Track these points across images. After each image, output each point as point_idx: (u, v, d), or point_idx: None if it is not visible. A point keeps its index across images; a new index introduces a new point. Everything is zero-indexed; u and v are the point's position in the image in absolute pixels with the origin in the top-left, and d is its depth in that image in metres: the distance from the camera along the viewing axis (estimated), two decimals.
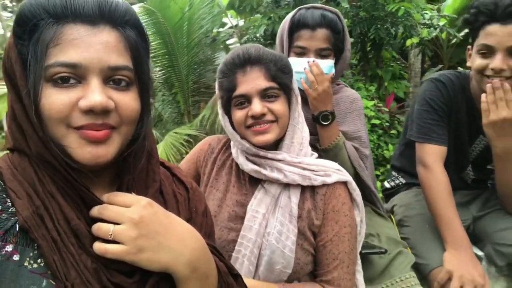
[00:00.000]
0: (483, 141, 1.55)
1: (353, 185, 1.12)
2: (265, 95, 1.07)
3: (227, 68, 1.09)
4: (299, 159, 1.10)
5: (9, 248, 0.58)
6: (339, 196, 1.09)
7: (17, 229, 0.60)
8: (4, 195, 0.62)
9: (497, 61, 1.32)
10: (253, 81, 1.06)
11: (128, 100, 0.65)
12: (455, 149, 1.56)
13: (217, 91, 1.14)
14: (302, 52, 1.47)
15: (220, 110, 1.15)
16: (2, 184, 0.64)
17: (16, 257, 0.58)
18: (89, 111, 0.61)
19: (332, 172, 1.09)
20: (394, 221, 1.63)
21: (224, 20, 7.31)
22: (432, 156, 1.47)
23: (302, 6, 1.52)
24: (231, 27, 7.30)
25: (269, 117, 1.07)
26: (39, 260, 0.60)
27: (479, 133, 1.53)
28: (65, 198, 0.63)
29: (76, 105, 0.61)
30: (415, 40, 4.63)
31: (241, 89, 1.07)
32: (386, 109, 4.64)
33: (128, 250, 0.62)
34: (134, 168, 0.71)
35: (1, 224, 0.59)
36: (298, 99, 1.14)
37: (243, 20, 7.38)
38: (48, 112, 0.60)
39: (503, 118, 1.31)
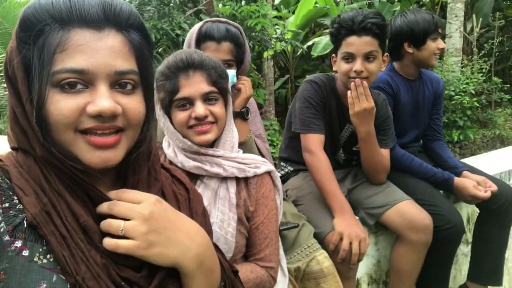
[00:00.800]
0: (349, 129, 1.93)
1: (276, 173, 1.29)
2: (206, 98, 1.14)
3: (170, 71, 1.13)
4: (234, 155, 1.21)
5: (18, 244, 0.58)
6: (267, 184, 1.25)
7: (25, 225, 0.60)
8: (10, 193, 0.62)
9: (357, 65, 1.68)
10: (196, 84, 1.12)
11: (135, 104, 0.66)
12: (329, 136, 1.90)
13: (156, 93, 1.17)
14: None
15: (160, 111, 1.18)
16: (8, 182, 0.63)
17: (25, 253, 0.59)
18: (97, 116, 0.61)
19: (261, 164, 1.24)
20: (288, 201, 1.90)
21: None
22: (315, 143, 1.78)
23: (208, 20, 1.64)
24: None
25: (210, 118, 1.14)
26: (48, 256, 0.60)
27: (346, 122, 1.91)
28: (72, 195, 0.64)
29: (84, 110, 0.61)
30: (270, 52, 5.18)
31: (184, 92, 1.12)
32: None
33: (138, 245, 0.63)
34: (140, 169, 0.72)
35: (10, 220, 0.59)
36: (231, 102, 1.24)
37: None
38: (56, 118, 0.60)
39: (364, 108, 1.69)
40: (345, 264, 1.58)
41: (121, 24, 0.64)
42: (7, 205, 0.60)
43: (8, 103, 0.67)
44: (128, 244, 0.63)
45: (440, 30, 2.12)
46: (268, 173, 1.28)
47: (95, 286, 0.60)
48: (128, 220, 0.64)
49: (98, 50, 0.61)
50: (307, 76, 1.97)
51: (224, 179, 1.20)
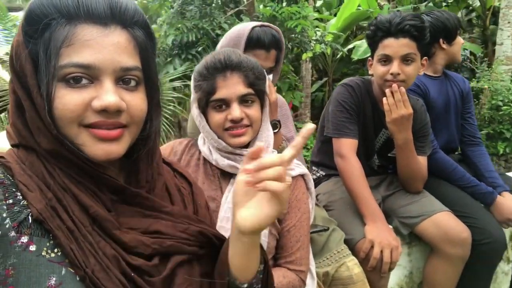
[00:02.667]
0: (385, 134, 1.88)
1: (309, 176, 1.28)
2: (243, 100, 1.13)
3: (208, 71, 1.12)
4: (268, 156, 1.21)
5: (24, 239, 0.59)
6: (300, 187, 1.23)
7: (30, 221, 0.60)
8: (13, 189, 0.62)
9: (394, 67, 1.63)
10: (233, 86, 1.10)
11: (138, 100, 0.67)
12: (364, 141, 1.85)
13: (193, 92, 1.18)
14: None
15: (196, 110, 1.18)
16: (11, 178, 0.63)
17: (32, 248, 0.59)
18: (102, 111, 0.62)
19: (295, 166, 1.24)
20: (320, 206, 1.87)
21: None
22: (347, 148, 1.74)
23: (255, 25, 1.58)
24: None
25: (245, 121, 1.13)
26: (55, 250, 0.60)
27: (381, 128, 1.86)
28: (79, 188, 0.64)
29: (89, 105, 0.62)
30: (309, 54, 5.14)
31: (221, 93, 1.11)
32: None
33: (286, 188, 0.65)
34: (152, 164, 0.74)
35: (15, 216, 0.60)
36: (267, 103, 1.22)
37: None
38: (61, 112, 0.61)
39: (402, 115, 1.63)
40: (375, 273, 1.53)
41: (127, 21, 0.65)
42: (11, 201, 0.61)
43: (10, 97, 0.67)
44: (281, 186, 0.64)
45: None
46: (302, 176, 1.26)
47: (104, 277, 0.61)
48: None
49: (105, 46, 0.62)
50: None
51: None
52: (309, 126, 0.68)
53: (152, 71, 0.70)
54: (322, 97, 9.54)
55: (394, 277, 1.87)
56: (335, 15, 9.01)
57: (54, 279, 0.58)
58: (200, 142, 1.28)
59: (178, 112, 4.63)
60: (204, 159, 1.24)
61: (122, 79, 0.65)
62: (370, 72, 1.81)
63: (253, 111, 1.15)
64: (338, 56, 8.12)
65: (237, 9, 5.33)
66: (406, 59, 1.64)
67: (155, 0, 5.72)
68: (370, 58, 1.80)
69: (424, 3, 9.42)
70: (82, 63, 0.60)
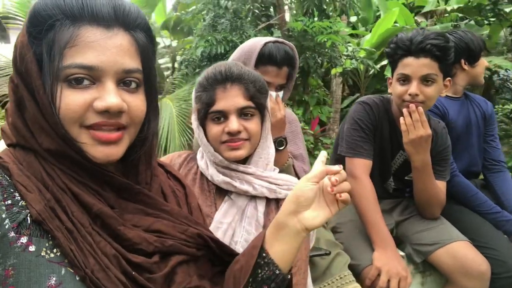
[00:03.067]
0: (402, 156, 1.80)
1: None
2: (242, 113, 1.11)
3: (208, 82, 1.12)
4: (266, 174, 1.16)
5: (23, 240, 0.59)
6: None
7: (29, 221, 0.61)
8: (11, 190, 0.63)
9: (413, 88, 1.57)
10: (232, 98, 1.09)
11: (138, 102, 0.69)
12: (379, 162, 1.79)
13: (194, 103, 1.18)
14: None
15: (195, 122, 1.17)
16: (8, 179, 0.64)
17: (32, 248, 0.59)
18: (104, 112, 0.63)
19: (294, 185, 1.17)
20: (327, 228, 1.81)
21: (158, 40, 7.35)
22: (360, 168, 1.68)
23: (268, 40, 1.55)
24: (164, 47, 7.34)
25: (243, 135, 1.11)
26: (55, 250, 0.61)
27: (399, 149, 1.78)
28: (80, 188, 0.65)
29: (91, 106, 0.63)
30: (339, 69, 5.07)
31: (220, 105, 1.10)
32: (311, 132, 4.97)
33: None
34: (151, 164, 0.76)
35: (14, 217, 0.60)
36: (268, 118, 1.19)
37: (177, 41, 7.46)
38: (64, 112, 0.62)
39: (420, 136, 1.55)
40: None
41: (129, 24, 0.66)
42: (9, 202, 0.62)
43: (10, 97, 0.67)
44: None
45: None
46: None
47: (104, 277, 0.61)
48: None
49: (108, 48, 0.63)
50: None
51: (253, 197, 1.16)
52: (323, 156, 0.83)
53: (152, 74, 0.72)
54: None
55: None
56: (370, 31, 8.89)
57: (54, 279, 0.59)
58: (198, 155, 1.26)
59: None
60: (201, 173, 1.22)
61: (123, 80, 0.66)
62: (389, 91, 1.75)
63: (252, 124, 1.12)
64: (371, 72, 7.98)
65: (268, 22, 5.35)
66: (426, 80, 1.57)
67: (189, 13, 5.84)
68: (390, 76, 1.74)
69: (465, 21, 9.13)
70: (85, 64, 0.62)
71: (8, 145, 0.69)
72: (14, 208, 0.61)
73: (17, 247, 0.59)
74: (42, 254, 0.60)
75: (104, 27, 0.63)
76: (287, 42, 1.61)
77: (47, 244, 0.61)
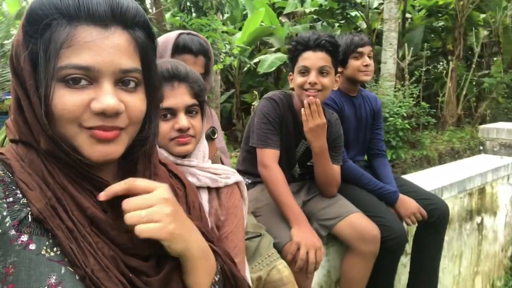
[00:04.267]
0: (304, 145, 2.02)
1: (243, 184, 1.32)
2: (188, 110, 1.14)
3: None
4: (207, 165, 1.22)
5: (24, 238, 0.59)
6: (236, 194, 1.28)
7: (30, 219, 0.60)
8: (13, 187, 0.62)
9: (312, 77, 1.80)
10: (180, 96, 1.12)
11: (137, 102, 0.67)
12: (286, 151, 1.97)
13: None
14: None
15: None
16: (10, 175, 0.63)
17: (32, 246, 0.59)
18: (101, 113, 0.62)
19: (231, 174, 1.27)
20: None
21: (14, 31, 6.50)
22: (270, 158, 1.84)
23: (181, 32, 1.61)
24: None
25: (191, 131, 1.15)
26: (55, 249, 0.61)
27: (301, 139, 1.99)
28: (76, 189, 0.64)
29: (88, 106, 0.62)
30: (220, 66, 5.24)
31: (169, 103, 1.11)
32: None
33: (164, 226, 0.65)
34: (150, 164, 0.75)
35: (15, 214, 0.60)
36: (206, 115, 1.24)
37: None
38: (60, 112, 0.61)
39: (317, 124, 1.78)
40: (302, 273, 1.63)
41: (127, 22, 0.65)
42: (11, 199, 0.61)
43: (11, 94, 0.67)
44: (154, 226, 0.64)
45: (362, 49, 2.22)
46: (237, 183, 1.30)
47: (104, 277, 0.61)
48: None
49: (105, 48, 0.62)
50: (253, 91, 2.06)
51: (196, 188, 1.20)
52: None
53: (152, 72, 0.71)
54: (230, 108, 9.71)
55: (314, 277, 1.99)
56: (239, 29, 9.31)
57: (54, 277, 0.59)
58: None
59: None
60: None
61: (121, 80, 0.65)
62: (291, 86, 1.95)
63: (197, 122, 1.17)
64: (245, 69, 8.38)
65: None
66: (322, 71, 1.81)
67: None
68: (290, 73, 1.94)
69: (319, 22, 10.24)
70: (81, 65, 0.60)
71: (11, 141, 0.67)
72: (16, 206, 0.60)
73: (17, 245, 0.58)
74: (42, 252, 0.60)
75: (100, 27, 0.62)
76: (199, 35, 1.68)
77: (47, 243, 0.61)
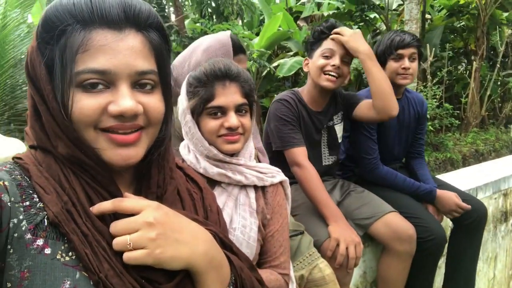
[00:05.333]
0: (325, 130, 2.03)
1: (287, 183, 1.32)
2: (238, 109, 1.16)
3: (207, 78, 1.14)
4: (253, 164, 1.24)
5: (40, 242, 0.59)
6: (281, 193, 1.28)
7: (46, 223, 0.60)
8: (30, 191, 0.62)
9: (336, 60, 1.85)
10: (231, 95, 1.14)
11: (155, 102, 0.67)
12: (310, 146, 1.97)
13: (186, 99, 1.18)
14: None
15: (189, 116, 1.18)
16: (28, 180, 0.63)
17: (47, 251, 0.59)
18: (119, 116, 0.62)
19: (276, 173, 1.27)
20: None
21: None
22: (300, 156, 1.83)
23: (228, 32, 1.67)
24: None
25: (240, 130, 1.17)
26: (70, 253, 0.60)
27: (321, 127, 2.02)
28: (91, 194, 0.64)
29: (106, 109, 0.62)
30: None
31: (220, 101, 1.14)
32: None
33: (150, 252, 0.62)
34: (163, 167, 0.74)
35: (31, 218, 0.60)
36: (255, 115, 1.26)
37: None
38: (78, 116, 0.61)
39: (351, 34, 1.85)
40: (342, 270, 1.62)
41: (141, 24, 0.65)
42: (27, 203, 0.61)
43: (28, 101, 0.67)
44: (140, 253, 0.62)
45: (403, 51, 2.11)
46: (281, 182, 1.31)
47: (118, 283, 0.60)
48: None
49: (120, 51, 0.62)
50: (271, 96, 2.08)
51: (243, 186, 1.23)
52: None
53: (167, 74, 0.71)
54: None
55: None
56: (256, 34, 9.35)
57: (68, 282, 0.59)
58: (184, 151, 1.27)
59: None
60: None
61: (138, 83, 0.65)
62: (305, 70, 2.01)
63: (247, 120, 1.19)
64: (264, 73, 8.39)
65: (166, 24, 5.28)
66: (344, 59, 1.88)
67: None
68: (306, 58, 2.00)
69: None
70: (97, 68, 0.61)
71: (30, 147, 0.68)
72: (32, 210, 0.61)
73: (33, 249, 0.58)
74: (57, 257, 0.60)
75: (115, 29, 0.62)
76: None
77: (62, 247, 0.60)
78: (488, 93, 8.19)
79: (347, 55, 1.88)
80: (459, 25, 9.35)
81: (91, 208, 0.63)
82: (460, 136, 8.09)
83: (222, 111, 1.16)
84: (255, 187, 1.24)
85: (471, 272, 2.25)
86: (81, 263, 0.60)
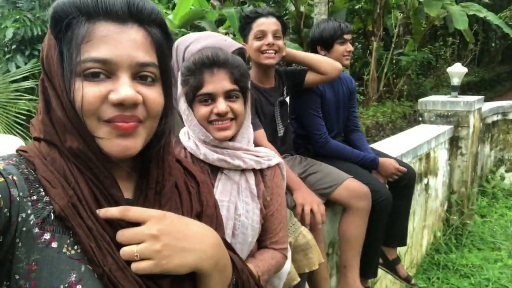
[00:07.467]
0: (278, 104, 2.16)
1: (283, 164, 1.38)
2: (228, 95, 1.19)
3: (196, 67, 1.17)
4: (251, 148, 1.29)
5: (47, 236, 0.61)
6: (278, 175, 1.34)
7: (53, 217, 0.62)
8: (37, 185, 0.63)
9: (270, 39, 2.00)
10: (219, 82, 1.17)
11: (155, 94, 0.68)
12: (266, 119, 2.10)
13: (180, 87, 1.20)
14: None
15: (184, 104, 1.22)
16: (34, 173, 0.64)
17: (54, 244, 0.61)
18: (119, 104, 0.64)
19: (272, 156, 1.33)
20: None
21: None
22: (260, 138, 1.93)
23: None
24: None
25: (230, 115, 1.20)
26: (75, 247, 0.62)
27: (274, 102, 2.15)
28: (94, 190, 0.66)
29: (106, 98, 0.64)
30: None
31: (208, 88, 1.17)
32: None
33: (157, 263, 0.64)
34: (163, 162, 0.75)
35: (38, 213, 0.61)
36: (250, 100, 1.29)
37: None
38: (79, 104, 0.63)
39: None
40: (313, 230, 1.80)
41: (144, 19, 0.67)
42: (35, 197, 0.62)
43: (40, 96, 0.69)
44: (147, 264, 0.64)
45: (347, 36, 2.43)
46: (277, 164, 1.37)
47: (121, 276, 0.62)
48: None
49: (121, 42, 0.64)
50: None
51: (242, 171, 1.26)
52: None
53: (168, 69, 0.73)
54: None
55: None
56: (172, 9, 9.04)
57: (74, 275, 0.60)
58: (184, 138, 1.28)
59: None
60: (191, 155, 1.26)
61: (139, 75, 0.67)
62: (246, 55, 2.08)
63: (237, 105, 1.22)
64: None
65: None
66: (276, 35, 2.02)
67: None
68: (243, 43, 2.10)
69: (246, 5, 10.32)
70: (99, 57, 0.63)
71: (35, 138, 0.69)
72: (39, 204, 0.62)
73: (40, 243, 0.60)
74: (63, 250, 0.61)
75: (118, 22, 0.65)
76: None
77: (68, 241, 0.62)
78: (385, 70, 9.09)
79: (278, 30, 2.03)
80: (358, 7, 10.13)
81: (97, 211, 0.64)
82: (363, 110, 8.90)
83: (211, 97, 1.19)
84: (254, 171, 1.29)
85: (404, 225, 2.64)
86: (86, 256, 0.61)
